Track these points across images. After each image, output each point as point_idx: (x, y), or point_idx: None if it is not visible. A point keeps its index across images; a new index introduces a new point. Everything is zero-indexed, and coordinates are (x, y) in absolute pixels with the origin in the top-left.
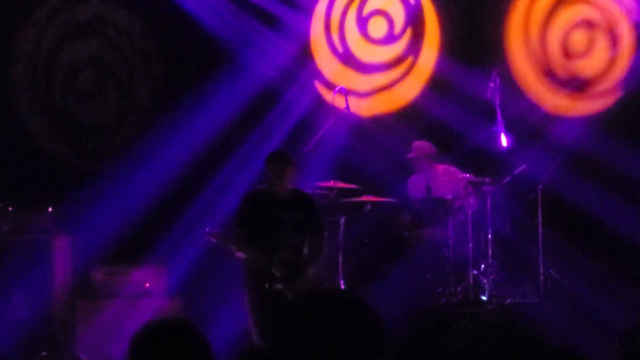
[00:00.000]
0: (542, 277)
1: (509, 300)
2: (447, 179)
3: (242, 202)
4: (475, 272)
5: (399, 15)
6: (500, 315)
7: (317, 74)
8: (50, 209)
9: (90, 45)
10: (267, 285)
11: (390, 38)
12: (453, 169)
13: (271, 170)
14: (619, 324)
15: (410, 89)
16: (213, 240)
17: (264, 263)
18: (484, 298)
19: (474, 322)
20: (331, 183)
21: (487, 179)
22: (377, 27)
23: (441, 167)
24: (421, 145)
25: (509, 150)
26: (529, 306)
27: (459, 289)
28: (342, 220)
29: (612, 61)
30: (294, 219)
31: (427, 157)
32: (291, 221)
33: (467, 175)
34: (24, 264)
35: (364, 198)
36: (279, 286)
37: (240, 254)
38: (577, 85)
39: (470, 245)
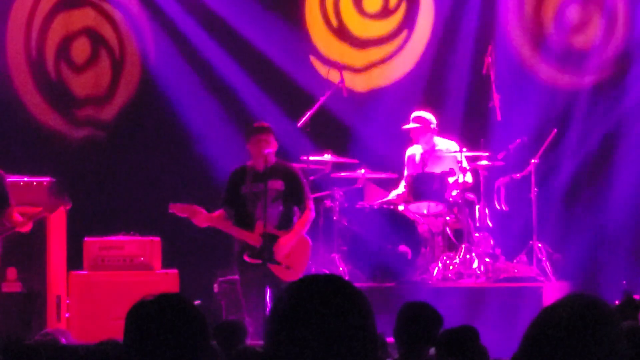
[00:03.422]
0: (536, 251)
1: (502, 275)
2: (443, 152)
3: (227, 181)
4: (469, 246)
5: None
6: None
7: (312, 49)
8: (45, 181)
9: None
10: (245, 257)
11: (385, 12)
12: (450, 142)
13: (247, 144)
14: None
15: (405, 63)
16: (177, 214)
17: (241, 236)
18: (478, 272)
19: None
20: (326, 157)
21: (482, 153)
22: (372, 1)
23: (439, 141)
24: (421, 115)
25: (504, 124)
26: (523, 280)
27: (453, 262)
28: (337, 194)
29: (606, 36)
30: (273, 190)
31: (426, 128)
32: (269, 192)
33: (463, 149)
34: (18, 236)
35: (359, 171)
36: (256, 257)
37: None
38: (572, 59)
39: (465, 219)
